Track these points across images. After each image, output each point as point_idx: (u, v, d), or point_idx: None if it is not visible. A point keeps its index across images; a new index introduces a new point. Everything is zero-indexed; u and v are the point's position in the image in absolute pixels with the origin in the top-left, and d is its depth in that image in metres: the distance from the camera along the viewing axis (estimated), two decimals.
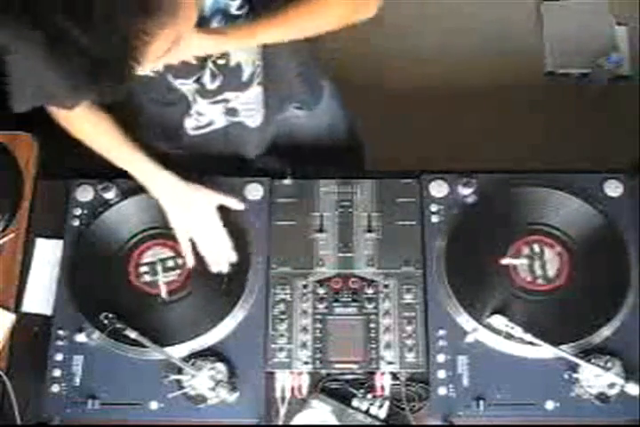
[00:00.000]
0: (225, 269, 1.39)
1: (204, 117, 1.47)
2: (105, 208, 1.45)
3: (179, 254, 1.41)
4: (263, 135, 1.57)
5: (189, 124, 1.49)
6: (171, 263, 1.42)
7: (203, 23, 1.14)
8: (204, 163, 1.59)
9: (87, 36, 0.81)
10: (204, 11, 1.15)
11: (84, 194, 1.46)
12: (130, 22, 0.84)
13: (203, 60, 1.29)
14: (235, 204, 1.42)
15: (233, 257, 1.40)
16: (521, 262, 1.39)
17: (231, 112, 1.47)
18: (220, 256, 1.39)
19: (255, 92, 1.43)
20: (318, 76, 1.59)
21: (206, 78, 1.34)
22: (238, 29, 1.16)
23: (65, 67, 0.84)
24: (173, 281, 1.40)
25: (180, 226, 1.39)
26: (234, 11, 1.18)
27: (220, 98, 1.41)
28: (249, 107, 1.46)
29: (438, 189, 1.44)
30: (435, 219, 1.42)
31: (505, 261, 1.38)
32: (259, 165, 1.65)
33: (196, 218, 1.39)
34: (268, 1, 1.19)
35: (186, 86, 1.35)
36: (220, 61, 1.30)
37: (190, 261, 1.39)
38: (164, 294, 1.39)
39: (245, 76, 1.37)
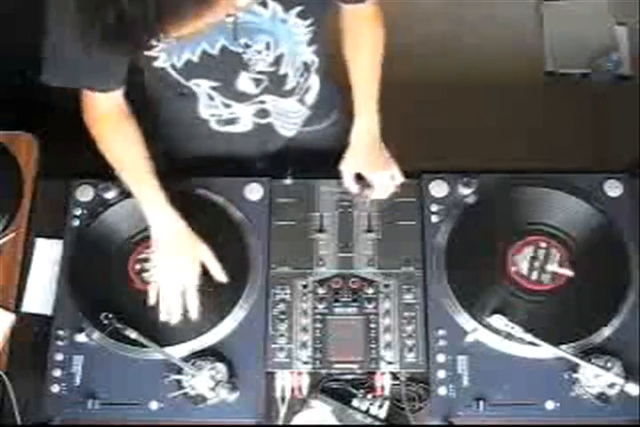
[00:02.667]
0: (174, 320, 1.33)
1: (228, 110, 1.41)
2: (105, 208, 1.45)
3: None
4: (290, 144, 1.57)
5: (206, 112, 1.41)
6: None
7: None
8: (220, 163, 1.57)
9: None
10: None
11: (84, 194, 1.46)
12: None
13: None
14: (218, 272, 1.36)
15: (194, 314, 1.34)
16: (521, 262, 1.39)
17: (262, 113, 1.44)
18: (175, 309, 1.34)
19: (293, 103, 1.43)
20: None
21: (249, 84, 1.32)
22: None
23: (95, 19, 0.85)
24: None
25: (159, 263, 1.36)
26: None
27: (257, 100, 1.38)
28: (284, 114, 1.45)
29: (438, 189, 1.44)
30: (435, 219, 1.42)
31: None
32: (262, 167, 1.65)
33: (176, 264, 1.35)
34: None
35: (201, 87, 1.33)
36: (270, 69, 1.29)
37: (152, 299, 1.35)
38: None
39: (289, 86, 1.36)
